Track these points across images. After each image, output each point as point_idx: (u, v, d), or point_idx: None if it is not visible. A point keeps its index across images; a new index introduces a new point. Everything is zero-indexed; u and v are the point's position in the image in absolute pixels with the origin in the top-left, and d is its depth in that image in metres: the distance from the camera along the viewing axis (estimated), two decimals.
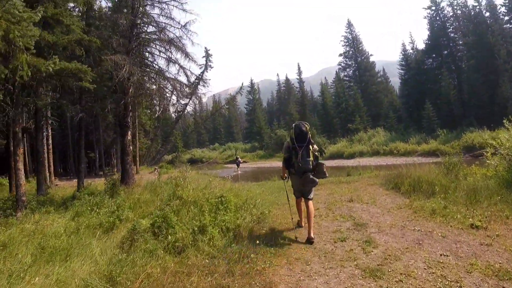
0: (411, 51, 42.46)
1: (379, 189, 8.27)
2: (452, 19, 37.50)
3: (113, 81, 10.55)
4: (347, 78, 52.62)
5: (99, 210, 7.03)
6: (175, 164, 36.24)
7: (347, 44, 52.51)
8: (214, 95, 62.87)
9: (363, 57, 51.33)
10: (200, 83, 42.54)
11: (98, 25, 12.02)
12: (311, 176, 4.66)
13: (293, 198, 5.28)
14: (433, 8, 38.29)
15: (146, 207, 7.51)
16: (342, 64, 53.29)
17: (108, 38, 11.08)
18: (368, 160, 30.82)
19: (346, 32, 52.75)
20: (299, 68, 57.48)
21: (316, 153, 4.86)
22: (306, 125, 4.78)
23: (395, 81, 61.44)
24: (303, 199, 5.02)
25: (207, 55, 39.56)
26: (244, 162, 41.10)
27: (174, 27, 12.65)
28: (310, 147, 4.74)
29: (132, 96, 11.54)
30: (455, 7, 37.01)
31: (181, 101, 41.49)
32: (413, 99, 38.41)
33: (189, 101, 42.72)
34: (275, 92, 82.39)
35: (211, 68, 39.85)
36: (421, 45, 49.43)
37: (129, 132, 12.36)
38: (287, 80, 71.77)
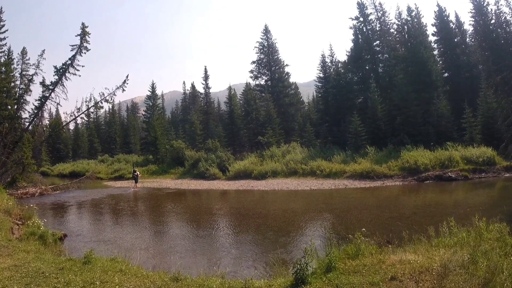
0: (330, 64, 38.33)
1: None
2: (378, 33, 34.91)
3: None
4: (259, 88, 46.53)
5: None
6: (16, 185, 24.72)
7: (261, 51, 46.73)
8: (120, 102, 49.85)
9: (277, 67, 46.23)
10: (70, 69, 29.28)
11: None
12: None
13: None
14: (361, 19, 35.19)
15: None
16: (254, 72, 46.99)
17: None
18: (284, 182, 23.57)
19: (262, 39, 47.02)
20: (205, 72, 47.87)
21: None
22: None
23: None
24: None
25: (84, 33, 27.22)
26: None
27: None
28: None
29: None
30: (382, 22, 34.79)
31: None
32: (332, 113, 33.76)
33: (50, 94, 28.79)
34: (180, 102, 72.38)
35: (87, 50, 27.64)
36: (342, 57, 46.53)
37: None
38: (193, 87, 62.07)
